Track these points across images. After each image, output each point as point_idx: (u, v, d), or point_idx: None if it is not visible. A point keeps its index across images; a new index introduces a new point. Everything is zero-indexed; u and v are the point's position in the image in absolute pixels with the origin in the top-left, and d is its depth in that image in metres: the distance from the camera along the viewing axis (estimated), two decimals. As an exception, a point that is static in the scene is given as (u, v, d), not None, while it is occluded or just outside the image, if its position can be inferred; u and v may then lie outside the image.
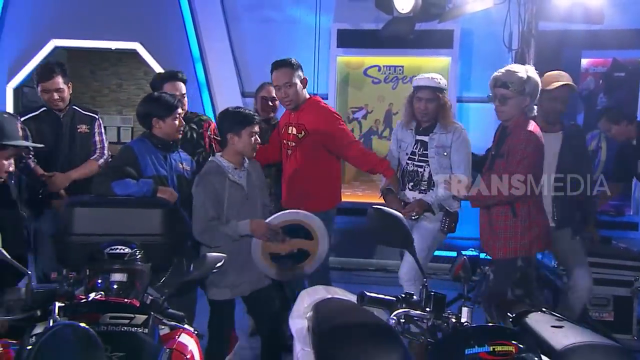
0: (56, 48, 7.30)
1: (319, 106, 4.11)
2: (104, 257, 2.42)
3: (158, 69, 7.08)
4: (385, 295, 2.18)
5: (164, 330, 2.26)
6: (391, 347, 2.36)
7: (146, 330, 1.98)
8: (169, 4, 7.08)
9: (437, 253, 6.49)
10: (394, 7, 5.17)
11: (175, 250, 3.25)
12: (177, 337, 2.18)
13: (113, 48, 7.54)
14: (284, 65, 3.90)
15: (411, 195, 4.02)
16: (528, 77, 3.47)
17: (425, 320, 2.07)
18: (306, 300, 3.03)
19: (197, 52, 7.12)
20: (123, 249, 2.53)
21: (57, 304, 1.93)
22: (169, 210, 3.19)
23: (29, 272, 2.24)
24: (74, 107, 4.29)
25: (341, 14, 6.86)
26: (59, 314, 1.87)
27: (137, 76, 12.53)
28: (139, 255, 2.52)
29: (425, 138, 3.94)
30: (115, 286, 2.28)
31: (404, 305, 2.09)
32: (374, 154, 4.55)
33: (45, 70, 4.17)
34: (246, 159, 3.45)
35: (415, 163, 3.99)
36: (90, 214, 3.02)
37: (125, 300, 2.14)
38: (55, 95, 4.06)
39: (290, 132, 3.99)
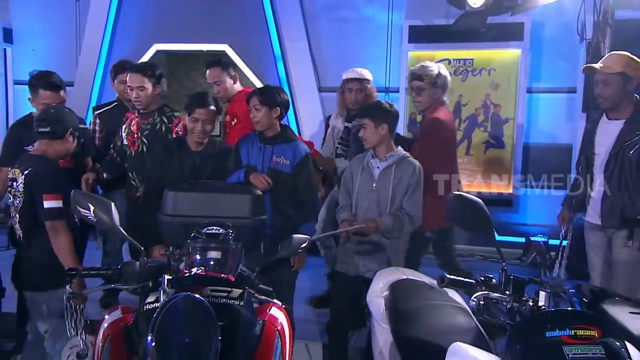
0: (158, 52, 7.49)
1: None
2: (202, 236, 2.45)
3: (244, 68, 7.24)
4: (464, 278, 2.10)
5: (255, 304, 2.26)
6: (466, 327, 2.43)
7: (242, 303, 1.99)
8: (254, 8, 7.16)
9: (503, 238, 6.49)
10: (466, 2, 5.00)
11: (261, 231, 3.26)
12: (268, 310, 2.19)
13: (204, 50, 7.57)
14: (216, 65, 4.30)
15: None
16: (439, 71, 3.96)
17: (504, 303, 1.98)
18: (382, 281, 3.02)
19: (278, 51, 7.16)
20: (218, 230, 2.56)
21: (166, 277, 1.97)
22: (256, 196, 3.23)
23: (142, 248, 2.30)
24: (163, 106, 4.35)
25: (412, 11, 6.73)
26: (167, 286, 1.92)
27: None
28: (232, 236, 2.53)
29: (349, 124, 4.27)
30: (211, 262, 2.29)
31: (483, 288, 2.00)
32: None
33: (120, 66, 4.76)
34: None
35: (343, 148, 4.39)
36: (189, 198, 3.11)
37: (222, 275, 2.14)
38: (129, 90, 4.12)
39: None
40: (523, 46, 6.20)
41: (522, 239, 6.24)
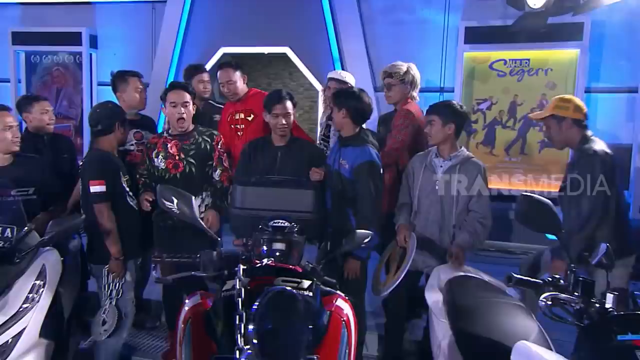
0: (224, 54, 7.61)
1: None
2: (268, 228, 2.50)
3: (304, 69, 7.33)
4: (531, 278, 2.10)
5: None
6: (527, 325, 2.35)
7: (311, 294, 2.02)
8: (314, 11, 7.19)
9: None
10: (526, 2, 4.81)
11: (321, 227, 3.32)
12: (334, 301, 2.18)
13: (266, 52, 7.70)
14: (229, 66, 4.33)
15: None
16: (408, 69, 4.11)
17: (572, 305, 1.93)
18: (440, 276, 3.00)
19: (336, 53, 7.16)
20: (284, 223, 2.61)
21: (242, 267, 1.99)
22: (317, 193, 3.27)
23: (219, 239, 2.42)
24: (210, 101, 4.99)
25: (469, 12, 6.61)
26: (242, 275, 1.94)
27: (283, 76, 13.02)
28: (296, 229, 2.56)
29: (330, 122, 4.27)
30: (277, 253, 2.34)
31: (551, 289, 1.98)
32: None
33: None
34: None
35: (325, 144, 4.47)
36: (256, 192, 3.20)
37: (291, 266, 2.18)
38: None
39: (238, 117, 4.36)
40: (582, 46, 5.99)
41: None
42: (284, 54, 7.51)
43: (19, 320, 2.52)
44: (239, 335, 1.71)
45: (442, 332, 2.59)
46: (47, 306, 2.68)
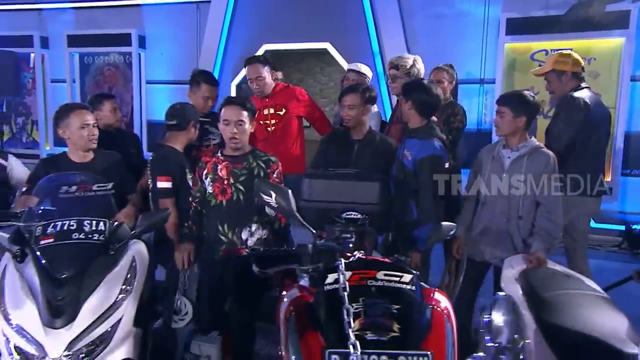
0: (266, 51, 7.64)
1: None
2: (341, 220, 2.49)
3: (344, 64, 7.17)
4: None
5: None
6: (616, 318, 2.28)
7: (413, 288, 1.98)
8: (354, 7, 7.19)
9: (602, 226, 6.14)
10: None
11: (387, 219, 3.26)
12: (432, 295, 2.15)
13: (307, 48, 7.76)
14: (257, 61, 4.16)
15: None
16: (414, 63, 4.07)
17: None
18: (513, 267, 2.96)
19: (376, 47, 7.15)
20: (356, 215, 2.59)
21: (343, 261, 1.99)
22: (384, 185, 3.19)
23: (314, 231, 2.43)
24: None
25: (509, 4, 6.52)
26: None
27: (315, 71, 13.07)
28: (367, 221, 2.55)
29: None
30: (350, 245, 2.31)
31: None
32: None
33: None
34: None
35: None
36: (323, 185, 3.11)
37: (386, 259, 2.18)
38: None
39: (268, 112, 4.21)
40: (628, 34, 5.85)
41: (622, 227, 5.99)
42: (325, 49, 7.53)
43: (117, 310, 2.56)
44: (350, 331, 1.71)
45: (525, 324, 2.51)
46: (139, 296, 2.71)
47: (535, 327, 2.39)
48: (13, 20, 9.09)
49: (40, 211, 2.83)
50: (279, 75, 5.06)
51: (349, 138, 3.71)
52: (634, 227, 5.83)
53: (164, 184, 3.45)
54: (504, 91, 6.29)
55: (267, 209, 2.97)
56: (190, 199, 3.28)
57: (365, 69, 4.52)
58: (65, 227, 2.73)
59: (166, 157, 3.54)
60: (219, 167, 3.14)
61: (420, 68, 4.15)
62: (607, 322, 2.20)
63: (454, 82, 4.38)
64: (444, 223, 2.54)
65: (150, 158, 3.62)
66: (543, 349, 2.28)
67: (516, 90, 3.54)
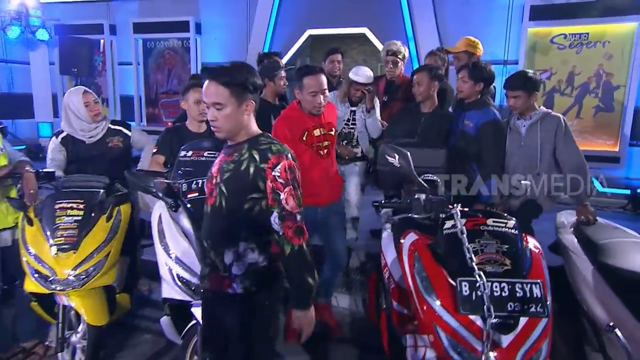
0: (310, 36, 7.76)
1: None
2: (422, 185, 2.63)
3: (381, 47, 7.19)
4: None
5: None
6: None
7: (516, 232, 2.20)
8: None
9: (610, 190, 6.27)
10: None
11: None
12: (526, 237, 2.31)
13: (349, 33, 7.71)
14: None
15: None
16: (405, 49, 4.28)
17: None
18: (565, 220, 3.10)
19: (410, 32, 7.20)
20: (432, 176, 2.79)
21: (458, 208, 2.22)
22: (445, 151, 3.28)
23: (427, 187, 2.58)
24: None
25: None
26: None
27: (351, 54, 13.06)
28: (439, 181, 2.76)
29: (354, 108, 3.94)
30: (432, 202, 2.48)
31: None
32: None
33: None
34: None
35: (349, 127, 3.98)
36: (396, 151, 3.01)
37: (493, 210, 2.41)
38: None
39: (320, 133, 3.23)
40: None
41: (627, 191, 6.18)
42: (363, 34, 7.57)
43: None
44: (473, 264, 2.00)
45: (583, 267, 2.59)
46: None
47: (592, 268, 2.52)
48: (85, 11, 9.25)
49: (180, 171, 2.90)
50: (338, 57, 4.73)
51: (419, 111, 3.73)
52: (638, 191, 6.06)
53: None
54: (524, 70, 6.55)
55: (274, 222, 1.89)
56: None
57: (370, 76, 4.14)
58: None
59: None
60: (217, 159, 2.13)
61: (406, 52, 4.36)
62: None
63: (445, 64, 4.41)
64: (522, 182, 2.73)
65: None
66: (601, 285, 2.41)
67: (518, 72, 3.43)
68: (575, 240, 2.82)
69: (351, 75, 3.81)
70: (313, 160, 3.13)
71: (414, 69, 4.00)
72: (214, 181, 2.02)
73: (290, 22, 7.86)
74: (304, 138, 3.09)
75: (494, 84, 4.05)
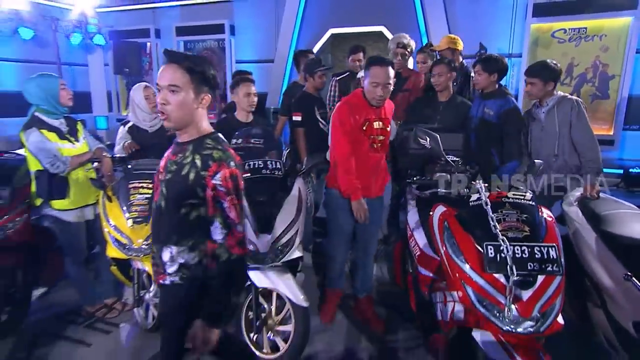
0: (332, 35, 7.75)
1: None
2: (441, 161, 2.71)
3: None
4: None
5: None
6: None
7: (533, 203, 2.25)
8: None
9: (604, 170, 6.24)
10: None
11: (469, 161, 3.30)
12: (540, 208, 2.31)
13: (367, 31, 7.60)
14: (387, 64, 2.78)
15: None
16: (413, 42, 4.20)
17: None
18: (571, 195, 3.09)
19: (423, 29, 7.17)
20: (453, 158, 2.80)
21: (483, 185, 2.27)
22: (464, 136, 3.34)
23: (453, 164, 2.65)
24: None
25: None
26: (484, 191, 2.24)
27: (368, 51, 12.86)
28: (460, 163, 2.78)
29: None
30: (459, 180, 2.52)
31: None
32: None
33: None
34: None
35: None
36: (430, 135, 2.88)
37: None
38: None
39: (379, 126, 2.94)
40: (636, 14, 5.87)
41: (620, 171, 6.15)
42: (380, 31, 7.51)
43: (295, 222, 2.83)
44: (497, 231, 2.05)
45: (587, 235, 2.61)
46: (303, 214, 2.97)
47: (595, 236, 2.56)
48: (134, 17, 9.36)
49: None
50: (360, 56, 4.59)
51: (437, 100, 3.72)
52: (630, 170, 6.03)
53: (296, 117, 3.97)
54: (527, 63, 6.41)
55: (216, 232, 1.71)
56: None
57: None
58: (256, 165, 2.98)
59: (300, 97, 4.01)
60: (166, 153, 1.88)
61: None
62: None
63: (434, 59, 4.31)
64: (536, 160, 2.66)
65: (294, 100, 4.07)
66: (603, 251, 2.45)
67: (539, 61, 3.33)
68: (580, 212, 2.83)
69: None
70: (368, 152, 2.91)
71: (433, 62, 3.88)
72: (160, 177, 1.82)
73: (314, 22, 7.86)
74: (364, 128, 2.85)
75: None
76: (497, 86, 3.46)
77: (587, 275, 2.60)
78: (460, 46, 4.32)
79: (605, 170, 6.12)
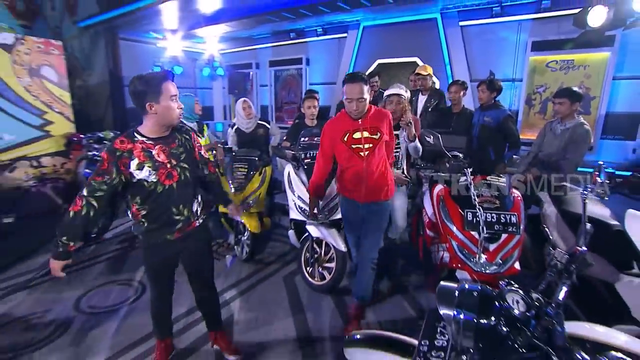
0: (378, 64, 7.64)
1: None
2: (448, 157, 2.69)
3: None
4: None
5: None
6: (602, 207, 2.31)
7: (505, 184, 2.19)
8: (434, 34, 6.96)
9: (585, 169, 5.79)
10: (587, 23, 3.73)
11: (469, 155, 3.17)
12: (512, 189, 2.31)
13: (404, 61, 7.42)
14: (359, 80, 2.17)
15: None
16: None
17: None
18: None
19: (447, 59, 6.93)
20: (455, 153, 2.74)
21: (470, 170, 2.24)
22: (469, 138, 3.25)
23: (450, 156, 2.54)
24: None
25: (534, 31, 6.14)
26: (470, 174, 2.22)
27: (405, 75, 12.46)
28: (461, 157, 2.71)
29: (397, 132, 2.67)
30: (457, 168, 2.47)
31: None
32: None
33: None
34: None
35: (394, 151, 2.55)
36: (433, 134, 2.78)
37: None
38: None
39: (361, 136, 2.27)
40: (613, 50, 5.43)
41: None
42: (414, 61, 7.29)
43: (338, 195, 2.72)
44: (476, 202, 2.08)
45: (552, 212, 2.58)
46: None
47: (556, 212, 2.55)
48: (242, 55, 9.60)
49: (300, 147, 3.01)
50: (376, 79, 4.24)
51: (451, 111, 3.65)
52: (605, 169, 5.59)
53: None
54: (528, 87, 6.16)
55: (205, 170, 1.97)
56: (86, 192, 1.66)
57: (402, 91, 2.85)
58: (315, 154, 2.76)
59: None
60: (154, 152, 1.75)
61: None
62: (598, 210, 2.28)
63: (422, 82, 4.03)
64: (514, 156, 2.65)
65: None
66: (562, 226, 2.43)
67: (566, 87, 3.02)
68: (548, 196, 2.77)
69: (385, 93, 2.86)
70: (350, 160, 2.25)
71: (449, 82, 3.77)
72: (169, 165, 1.74)
73: (365, 54, 7.79)
74: (345, 139, 2.23)
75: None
76: (493, 101, 3.45)
77: (550, 241, 2.53)
78: (432, 72, 4.12)
79: (584, 169, 5.82)
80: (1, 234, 3.25)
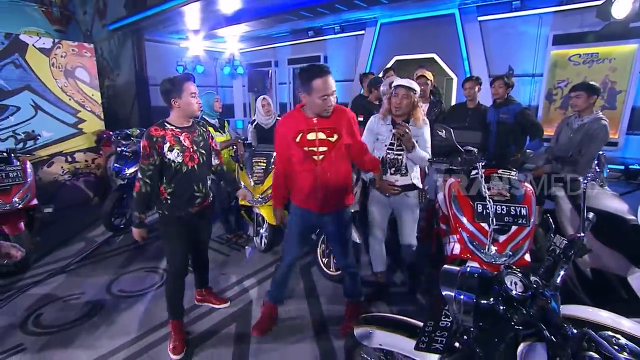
0: (396, 60, 7.59)
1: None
2: (461, 151, 2.62)
3: (444, 66, 6.97)
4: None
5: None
6: (618, 201, 2.30)
7: (516, 177, 2.20)
8: (452, 30, 6.84)
9: (610, 166, 5.52)
10: (611, 14, 3.60)
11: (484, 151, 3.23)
12: (524, 182, 2.28)
13: (422, 57, 7.28)
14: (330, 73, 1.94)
15: (393, 178, 2.45)
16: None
17: None
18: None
19: (465, 55, 6.80)
20: (473, 149, 2.66)
21: (481, 163, 2.24)
22: (483, 134, 3.24)
23: (462, 150, 2.48)
24: None
25: (556, 24, 5.95)
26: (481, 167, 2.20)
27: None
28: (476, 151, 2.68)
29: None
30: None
31: None
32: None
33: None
34: None
35: (395, 152, 2.42)
36: (445, 129, 2.68)
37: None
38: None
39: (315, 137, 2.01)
40: None
41: (622, 167, 5.54)
42: (432, 58, 7.23)
43: (354, 188, 2.57)
44: (486, 194, 2.09)
45: (567, 207, 2.61)
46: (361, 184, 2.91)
47: (570, 207, 2.56)
48: (261, 54, 9.69)
49: None
50: (392, 73, 4.17)
51: (466, 107, 3.66)
52: (629, 166, 5.44)
53: (360, 118, 3.56)
54: (548, 82, 5.99)
55: (215, 160, 2.39)
56: (141, 175, 2.01)
57: (414, 85, 2.45)
58: None
59: (364, 104, 3.82)
60: (181, 137, 2.08)
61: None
62: (615, 204, 2.24)
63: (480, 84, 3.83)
64: (527, 151, 2.61)
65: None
66: (575, 217, 2.45)
67: (582, 82, 2.99)
68: (563, 192, 2.75)
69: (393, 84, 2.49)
70: (303, 163, 2.00)
71: (464, 79, 3.79)
72: (192, 149, 2.13)
73: (383, 51, 7.74)
74: (297, 140, 1.97)
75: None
76: (507, 96, 3.46)
77: (563, 234, 2.51)
78: (431, 77, 3.84)
79: (610, 166, 5.70)
80: (43, 223, 3.55)
